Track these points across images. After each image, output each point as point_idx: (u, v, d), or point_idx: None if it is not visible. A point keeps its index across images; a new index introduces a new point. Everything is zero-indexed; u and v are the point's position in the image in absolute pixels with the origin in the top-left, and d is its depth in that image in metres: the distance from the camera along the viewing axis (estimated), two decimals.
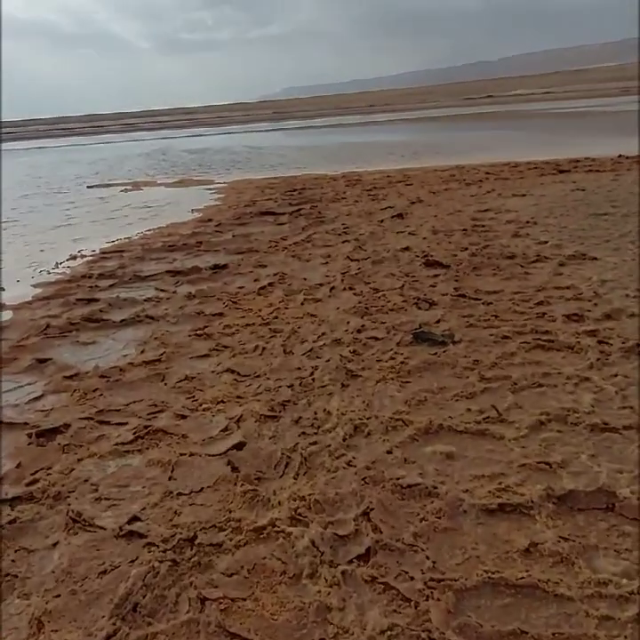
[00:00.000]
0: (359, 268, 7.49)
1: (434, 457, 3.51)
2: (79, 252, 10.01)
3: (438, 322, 5.57)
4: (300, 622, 2.44)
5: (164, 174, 22.61)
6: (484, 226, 9.36)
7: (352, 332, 5.42)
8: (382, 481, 3.28)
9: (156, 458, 3.68)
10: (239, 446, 3.73)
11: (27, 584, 2.78)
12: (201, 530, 3.00)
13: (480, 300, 6.04)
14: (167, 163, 28.14)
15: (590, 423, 3.69)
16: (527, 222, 9.34)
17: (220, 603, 2.55)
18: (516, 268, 6.99)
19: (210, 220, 11.85)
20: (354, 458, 3.53)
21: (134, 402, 4.50)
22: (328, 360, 4.88)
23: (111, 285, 7.76)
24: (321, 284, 7.00)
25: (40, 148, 53.16)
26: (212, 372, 4.90)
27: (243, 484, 3.34)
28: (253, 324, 5.88)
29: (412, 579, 2.61)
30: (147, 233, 11.29)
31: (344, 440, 3.72)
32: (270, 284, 7.14)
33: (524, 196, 11.87)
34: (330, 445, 3.67)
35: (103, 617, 2.52)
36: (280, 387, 4.51)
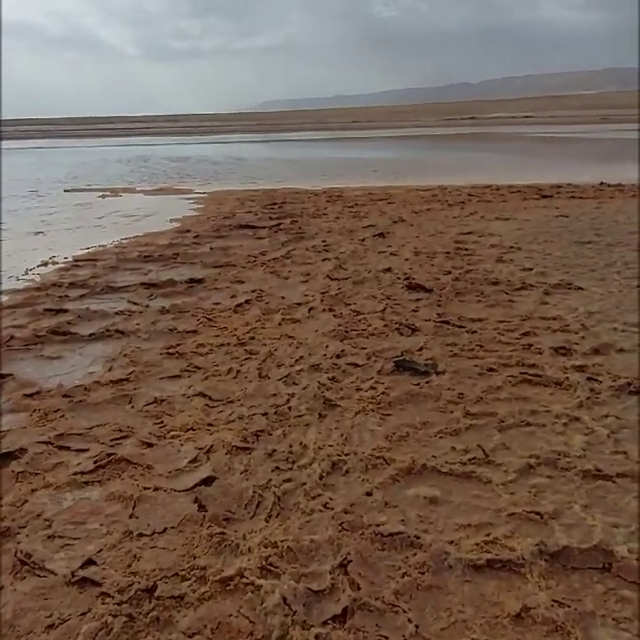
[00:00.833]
0: (339, 289, 7.27)
1: (416, 501, 3.27)
2: (51, 258, 9.68)
3: (421, 349, 5.35)
4: None
5: (143, 181, 22.31)
6: (467, 249, 9.19)
7: (331, 357, 5.18)
8: (361, 527, 3.03)
9: (118, 491, 3.40)
10: (208, 481, 3.46)
11: None
12: (162, 579, 2.72)
13: (464, 327, 5.83)
14: (148, 170, 27.85)
15: (582, 469, 3.47)
16: (511, 247, 9.20)
17: None
18: (501, 295, 6.81)
19: (188, 231, 11.58)
20: (331, 499, 3.28)
21: (98, 425, 4.21)
22: (305, 387, 4.63)
23: (82, 296, 7.45)
24: (299, 304, 6.76)
25: (20, 148, 52.53)
26: (183, 395, 4.63)
27: (210, 526, 3.07)
28: (228, 343, 5.61)
29: None
30: (122, 241, 10.98)
31: (320, 478, 3.46)
32: (247, 302, 6.88)
33: (507, 219, 11.76)
34: (305, 483, 3.42)
35: None
36: (254, 414, 4.25)
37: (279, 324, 6.10)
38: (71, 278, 8.28)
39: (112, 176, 24.94)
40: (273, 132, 72.31)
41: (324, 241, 10.17)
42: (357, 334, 5.74)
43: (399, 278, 7.63)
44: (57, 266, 9.19)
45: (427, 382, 4.69)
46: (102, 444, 3.95)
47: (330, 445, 3.81)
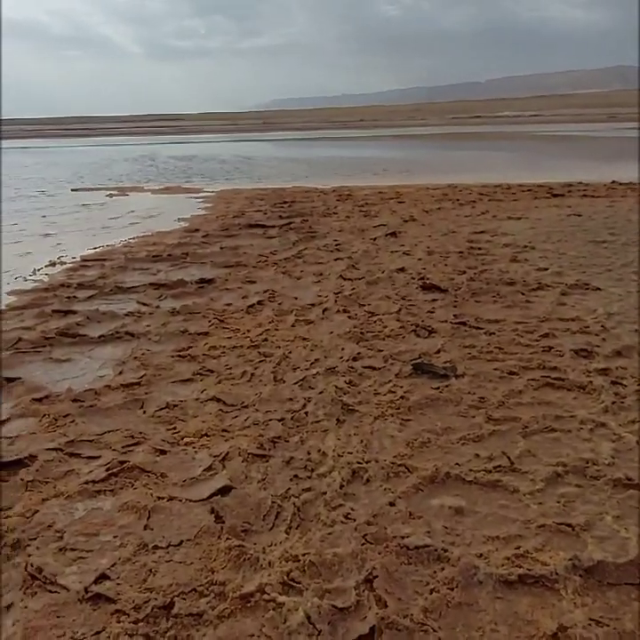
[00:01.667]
0: (353, 289, 7.14)
1: (442, 512, 3.14)
2: (59, 258, 9.58)
3: (438, 352, 5.21)
4: None
5: (150, 181, 22.22)
6: (480, 248, 9.06)
7: (347, 360, 5.05)
8: (385, 540, 2.90)
9: (131, 501, 3.27)
10: (224, 491, 3.34)
11: None
12: (179, 595, 2.60)
13: (482, 329, 5.70)
14: (154, 169, 27.76)
15: (612, 478, 3.34)
16: (525, 247, 9.06)
17: None
18: (517, 296, 6.68)
19: (197, 231, 11.47)
20: (352, 510, 3.15)
21: (109, 431, 4.09)
22: (322, 391, 4.50)
23: (90, 297, 7.33)
24: (313, 305, 6.63)
25: (24, 148, 52.51)
26: (196, 399, 4.51)
27: (228, 538, 2.94)
28: (241, 346, 5.49)
29: None
30: (130, 241, 10.88)
31: (341, 487, 3.34)
32: (259, 302, 6.76)
33: (519, 218, 11.61)
34: (325, 493, 3.29)
35: None
36: (270, 420, 4.13)
37: (293, 326, 5.97)
38: (79, 279, 8.18)
39: (118, 175, 24.86)
40: (279, 131, 72.20)
41: (335, 240, 10.04)
42: (373, 336, 5.61)
43: (413, 278, 7.50)
44: (65, 266, 9.09)
45: (446, 386, 4.56)
46: (114, 450, 3.83)
47: (349, 452, 3.68)
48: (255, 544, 2.92)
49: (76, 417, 4.30)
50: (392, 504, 3.20)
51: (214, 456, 3.70)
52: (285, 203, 14.61)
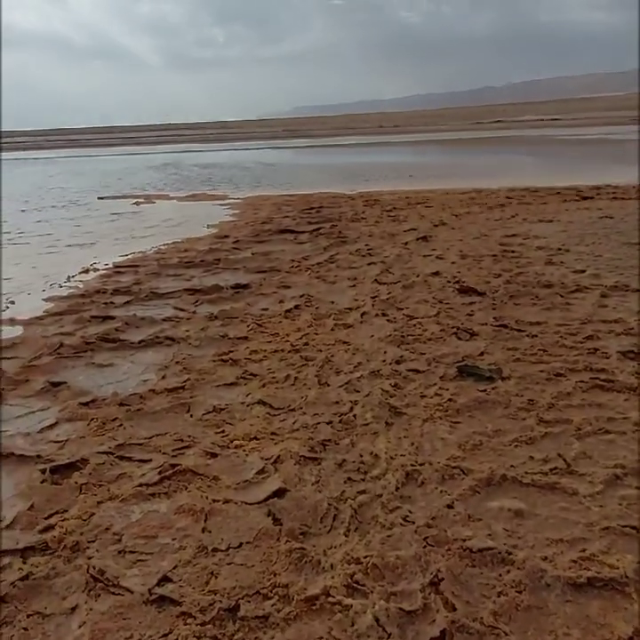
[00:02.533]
0: (389, 293, 7.10)
1: (501, 514, 3.10)
2: (92, 265, 9.64)
3: (482, 354, 5.17)
4: None
5: (175, 188, 22.32)
6: (513, 251, 8.98)
7: (390, 363, 5.02)
8: (447, 542, 2.87)
9: (186, 504, 3.26)
10: (279, 493, 3.32)
11: None
12: (243, 597, 2.58)
13: (524, 331, 5.64)
14: (179, 177, 27.90)
15: None
16: (559, 249, 8.97)
17: None
18: (556, 298, 6.61)
19: (227, 237, 11.49)
20: (410, 512, 3.12)
21: (158, 435, 4.09)
22: (368, 394, 4.47)
23: (127, 302, 7.37)
24: (350, 309, 6.60)
25: (48, 158, 53.07)
26: (242, 403, 4.50)
27: (287, 541, 2.92)
28: (282, 350, 5.47)
29: None
30: (162, 247, 10.92)
31: (396, 490, 3.31)
32: (296, 307, 6.74)
33: (550, 221, 11.51)
34: (381, 495, 3.27)
35: None
36: (318, 423, 4.10)
37: (332, 330, 5.95)
38: (114, 285, 8.22)
39: (144, 183, 25.00)
40: (301, 138, 72.40)
41: (366, 245, 10.01)
42: (414, 339, 5.58)
43: (449, 282, 7.45)
44: (98, 272, 9.14)
45: (493, 388, 4.52)
46: (164, 454, 3.83)
47: (402, 455, 3.65)
48: (315, 546, 2.90)
49: (124, 421, 4.30)
50: (450, 506, 3.16)
51: (265, 459, 3.69)
52: (313, 208, 14.61)
